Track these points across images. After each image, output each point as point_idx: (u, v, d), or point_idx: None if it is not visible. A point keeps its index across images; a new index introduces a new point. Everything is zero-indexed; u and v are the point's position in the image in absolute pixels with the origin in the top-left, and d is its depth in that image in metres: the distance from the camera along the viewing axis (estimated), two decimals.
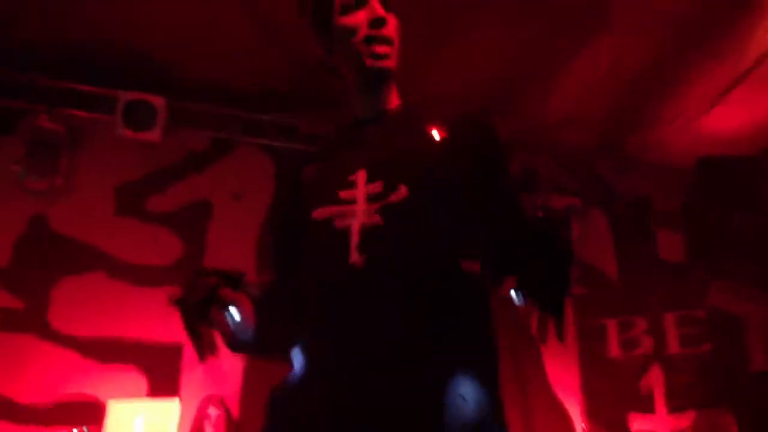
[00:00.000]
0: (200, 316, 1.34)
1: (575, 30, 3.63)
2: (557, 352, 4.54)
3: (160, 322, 3.89)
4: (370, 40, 1.48)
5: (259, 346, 1.43)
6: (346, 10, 1.50)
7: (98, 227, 4.01)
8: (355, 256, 1.34)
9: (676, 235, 5.01)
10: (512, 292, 1.37)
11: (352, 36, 1.49)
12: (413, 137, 1.50)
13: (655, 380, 4.64)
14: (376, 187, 1.40)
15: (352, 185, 1.42)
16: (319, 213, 1.42)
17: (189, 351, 3.87)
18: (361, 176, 1.42)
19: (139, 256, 4.02)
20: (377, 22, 1.48)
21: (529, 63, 3.89)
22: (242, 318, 1.34)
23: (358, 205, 1.39)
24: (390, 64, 1.50)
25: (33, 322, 3.78)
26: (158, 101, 3.98)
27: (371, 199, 1.39)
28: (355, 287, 1.33)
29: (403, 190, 1.38)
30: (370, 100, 1.56)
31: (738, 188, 4.71)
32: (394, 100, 1.58)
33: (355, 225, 1.37)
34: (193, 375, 3.89)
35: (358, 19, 1.49)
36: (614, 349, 4.70)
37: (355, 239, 1.35)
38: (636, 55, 3.77)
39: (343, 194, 1.42)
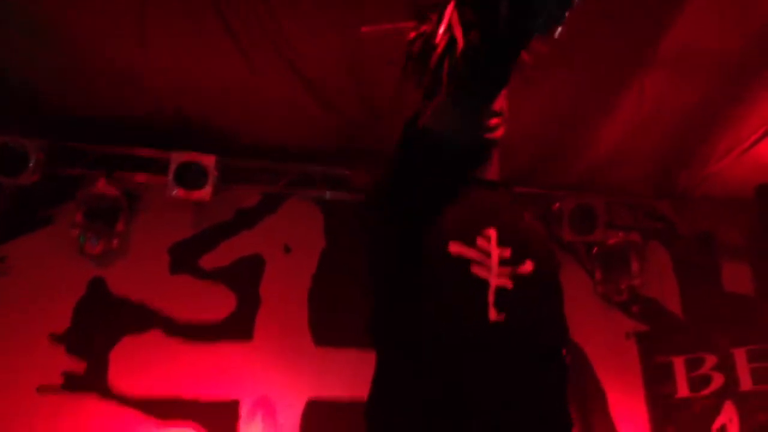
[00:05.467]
0: None
1: (620, 69, 3.59)
2: (623, 396, 4.40)
3: (217, 378, 3.94)
4: None
5: None
6: None
7: (154, 286, 4.08)
8: (494, 314, 1.35)
9: (742, 267, 4.82)
10: None
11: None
12: (524, 218, 1.60)
13: (729, 420, 4.43)
14: (506, 252, 1.43)
15: (488, 239, 1.44)
16: (456, 248, 1.40)
17: (246, 407, 3.92)
18: (493, 234, 1.45)
19: (194, 313, 4.08)
20: None
21: (577, 104, 3.85)
22: None
23: (492, 261, 1.41)
24: (498, 134, 1.55)
25: (95, 383, 3.85)
26: (209, 160, 4.07)
27: (502, 262, 1.42)
28: (497, 345, 1.35)
29: (529, 265, 1.44)
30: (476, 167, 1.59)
31: None
32: (495, 171, 1.61)
33: (492, 281, 1.39)
34: (251, 431, 3.89)
35: None
36: (683, 389, 4.52)
37: (491, 296, 1.37)
38: (682, 90, 3.69)
39: (481, 243, 1.43)
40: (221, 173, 4.15)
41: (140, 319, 4.01)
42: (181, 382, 3.91)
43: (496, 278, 1.39)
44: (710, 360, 4.56)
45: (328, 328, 4.12)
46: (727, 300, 4.72)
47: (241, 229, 4.33)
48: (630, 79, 3.65)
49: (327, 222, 4.40)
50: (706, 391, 4.49)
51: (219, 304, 4.14)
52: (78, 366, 3.87)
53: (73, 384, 3.82)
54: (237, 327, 4.11)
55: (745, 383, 4.48)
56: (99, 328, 3.96)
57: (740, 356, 4.55)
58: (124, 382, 3.88)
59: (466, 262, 1.39)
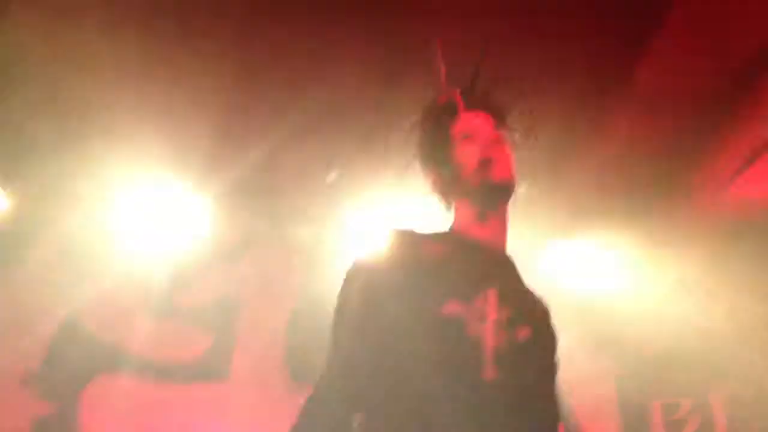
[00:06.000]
0: None
1: (593, 109, 3.65)
2: None
3: (193, 420, 3.86)
4: (486, 160, 1.59)
5: None
6: (463, 141, 1.65)
7: (128, 326, 4.00)
8: (489, 373, 1.35)
9: None
10: None
11: (470, 160, 1.61)
12: (524, 286, 1.60)
13: None
14: (504, 314, 1.43)
15: (485, 299, 1.44)
16: (452, 308, 1.39)
17: None
18: (492, 295, 1.45)
19: (168, 354, 4.00)
20: (491, 145, 1.61)
21: (548, 143, 3.88)
22: None
23: (489, 322, 1.40)
24: (508, 175, 1.59)
25: (65, 427, 3.74)
26: None
27: (500, 324, 1.41)
28: (490, 402, 1.34)
29: (526, 331, 1.45)
30: (487, 218, 1.59)
31: None
32: (502, 231, 1.62)
33: (489, 341, 1.38)
34: None
35: (469, 148, 1.63)
36: None
37: (489, 354, 1.36)
38: (655, 129, 3.75)
39: (478, 302, 1.43)
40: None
41: (113, 360, 3.92)
42: (156, 424, 3.81)
43: (492, 339, 1.38)
44: (686, 404, 4.57)
45: (306, 366, 4.05)
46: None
47: (217, 268, 4.28)
48: (599, 120, 3.69)
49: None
50: None
51: (194, 342, 4.07)
52: (48, 410, 3.76)
53: (42, 430, 3.71)
54: (212, 367, 4.04)
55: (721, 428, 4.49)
56: (70, 370, 3.86)
57: (716, 401, 4.56)
58: (96, 427, 3.77)
59: (460, 323, 1.38)
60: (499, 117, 1.72)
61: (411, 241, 1.51)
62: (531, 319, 1.48)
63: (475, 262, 1.51)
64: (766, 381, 4.31)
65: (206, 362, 4.05)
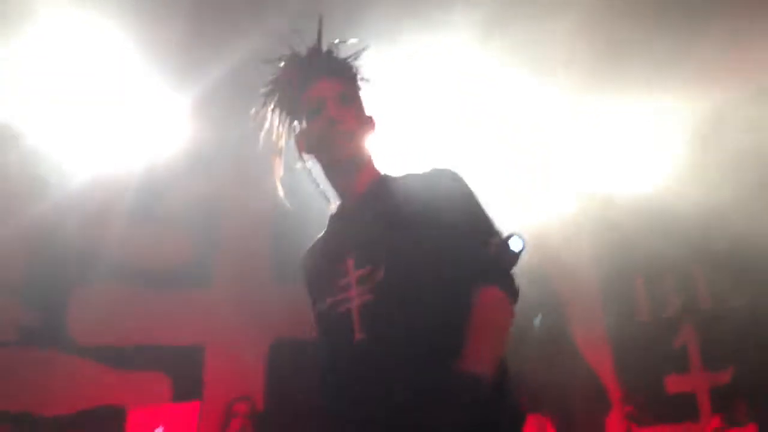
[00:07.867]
0: None
1: None
2: None
3: (179, 325, 3.87)
4: (326, 140, 1.61)
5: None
6: (310, 117, 1.65)
7: (110, 233, 3.93)
8: (358, 335, 1.48)
9: None
10: None
11: (314, 141, 1.64)
12: (387, 214, 1.58)
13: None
14: (364, 270, 1.52)
15: (345, 273, 1.55)
16: (328, 303, 1.55)
17: (211, 352, 3.86)
18: (350, 264, 1.55)
19: (151, 260, 3.97)
20: (331, 123, 1.60)
21: None
22: None
23: (352, 290, 1.52)
24: (348, 154, 1.61)
25: (53, 335, 3.74)
26: None
27: (361, 281, 1.51)
28: (361, 363, 1.47)
29: (380, 274, 1.50)
30: (343, 188, 1.66)
31: None
32: (366, 181, 1.65)
33: (354, 306, 1.50)
34: (217, 375, 3.85)
35: (317, 125, 1.63)
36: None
37: (356, 320, 1.49)
38: None
39: (341, 282, 1.54)
40: None
41: (96, 267, 3.87)
42: (142, 330, 3.83)
43: (357, 300, 1.49)
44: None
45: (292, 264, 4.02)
46: None
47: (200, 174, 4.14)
48: None
49: None
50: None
51: (177, 248, 4.03)
52: (34, 319, 3.74)
53: (29, 338, 3.71)
54: (197, 271, 4.02)
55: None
56: (54, 278, 3.82)
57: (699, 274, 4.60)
58: (83, 333, 3.78)
59: (331, 308, 1.53)
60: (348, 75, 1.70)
61: (309, 255, 1.70)
62: (389, 252, 1.51)
63: (337, 239, 1.63)
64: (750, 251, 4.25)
65: (190, 267, 4.03)
